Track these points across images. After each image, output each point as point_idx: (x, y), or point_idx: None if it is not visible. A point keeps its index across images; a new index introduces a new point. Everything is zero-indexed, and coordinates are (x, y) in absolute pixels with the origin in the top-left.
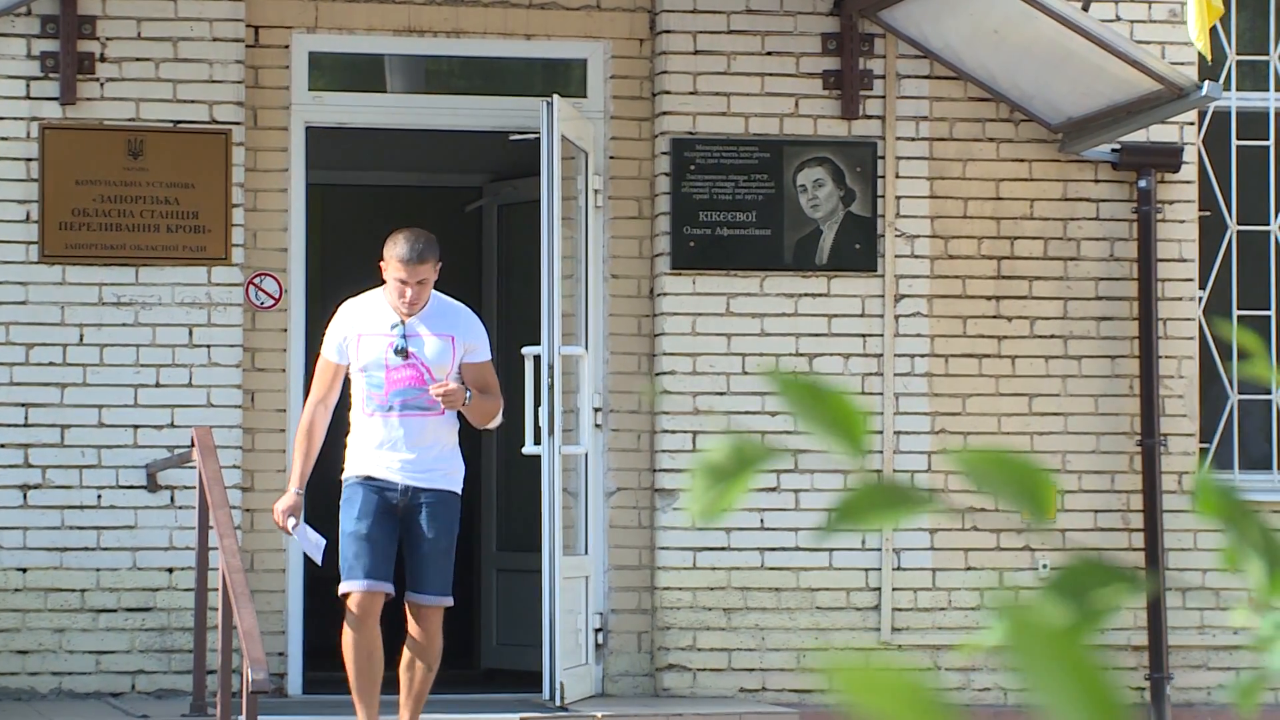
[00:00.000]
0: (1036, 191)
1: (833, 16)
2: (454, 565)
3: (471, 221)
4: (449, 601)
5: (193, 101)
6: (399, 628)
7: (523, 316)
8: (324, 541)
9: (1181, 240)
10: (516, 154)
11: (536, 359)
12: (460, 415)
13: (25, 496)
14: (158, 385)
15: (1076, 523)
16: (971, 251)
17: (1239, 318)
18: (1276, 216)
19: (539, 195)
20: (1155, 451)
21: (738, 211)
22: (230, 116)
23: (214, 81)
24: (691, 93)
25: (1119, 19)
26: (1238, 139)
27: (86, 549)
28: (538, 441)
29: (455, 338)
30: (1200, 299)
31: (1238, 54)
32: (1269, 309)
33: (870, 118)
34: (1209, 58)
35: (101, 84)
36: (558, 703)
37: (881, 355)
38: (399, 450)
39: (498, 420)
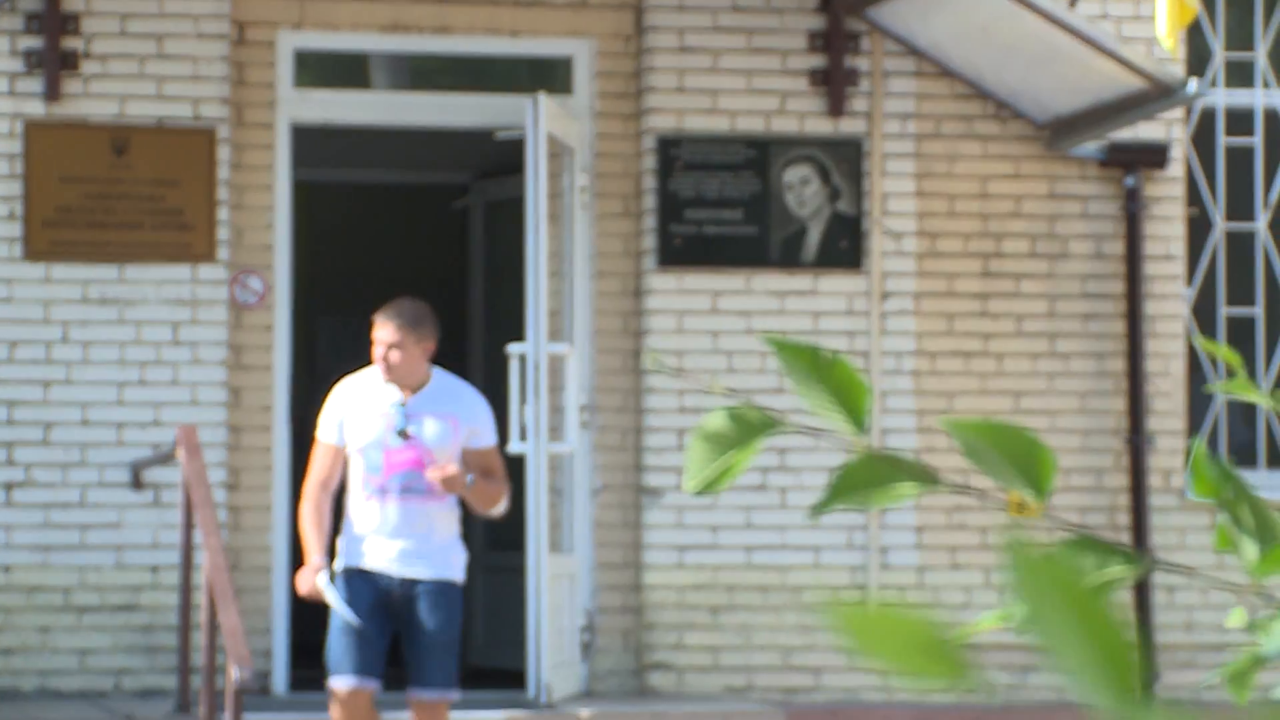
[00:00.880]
0: (1023, 189)
1: (819, 14)
2: (458, 657)
3: (457, 219)
4: (455, 696)
5: (177, 98)
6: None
7: (508, 314)
8: None
9: (1169, 238)
10: (503, 151)
11: (522, 357)
12: (462, 501)
13: (9, 495)
14: (142, 383)
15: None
16: (958, 249)
17: (1226, 317)
18: (1264, 214)
19: (525, 193)
20: (1143, 449)
21: (724, 209)
22: (215, 114)
23: (199, 78)
24: (678, 90)
25: (1106, 16)
26: (1225, 137)
27: (70, 547)
28: (523, 440)
29: (458, 420)
30: (1188, 297)
31: (1225, 51)
32: (1256, 306)
33: (857, 115)
34: (1175, 56)
35: (86, 81)
36: (544, 701)
37: (868, 353)
38: (397, 538)
39: (502, 506)
